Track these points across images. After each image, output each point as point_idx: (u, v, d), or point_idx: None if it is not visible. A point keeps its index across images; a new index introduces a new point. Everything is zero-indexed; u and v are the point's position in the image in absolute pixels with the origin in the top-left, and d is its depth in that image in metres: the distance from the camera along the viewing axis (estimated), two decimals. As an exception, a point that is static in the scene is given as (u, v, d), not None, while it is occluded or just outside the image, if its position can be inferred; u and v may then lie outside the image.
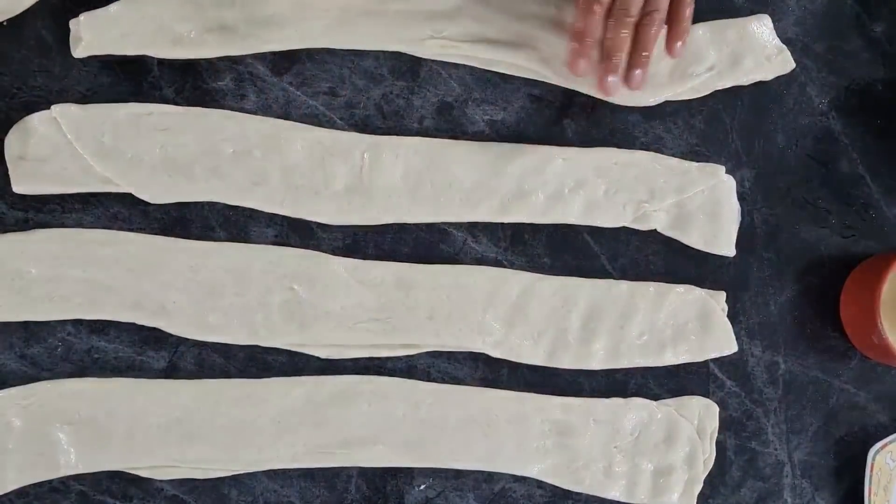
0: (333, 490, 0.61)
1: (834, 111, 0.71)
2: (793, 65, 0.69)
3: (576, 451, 0.63)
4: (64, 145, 0.60)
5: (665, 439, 0.64)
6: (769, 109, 0.70)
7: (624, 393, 0.65)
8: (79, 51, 0.61)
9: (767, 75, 0.69)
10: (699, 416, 0.65)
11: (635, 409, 0.64)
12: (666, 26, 0.63)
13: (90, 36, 0.61)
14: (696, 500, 0.64)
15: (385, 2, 0.64)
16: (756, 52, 0.68)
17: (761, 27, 0.69)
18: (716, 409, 0.65)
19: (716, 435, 0.65)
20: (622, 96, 0.66)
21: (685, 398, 0.65)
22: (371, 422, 0.61)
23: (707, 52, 0.68)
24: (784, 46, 0.69)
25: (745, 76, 0.68)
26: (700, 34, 0.68)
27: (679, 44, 0.63)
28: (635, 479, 0.63)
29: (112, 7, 0.61)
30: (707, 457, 0.64)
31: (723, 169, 0.68)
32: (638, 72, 0.62)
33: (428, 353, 0.63)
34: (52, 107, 0.60)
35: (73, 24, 0.61)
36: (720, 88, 0.68)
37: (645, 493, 0.63)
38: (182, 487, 0.60)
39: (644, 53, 0.62)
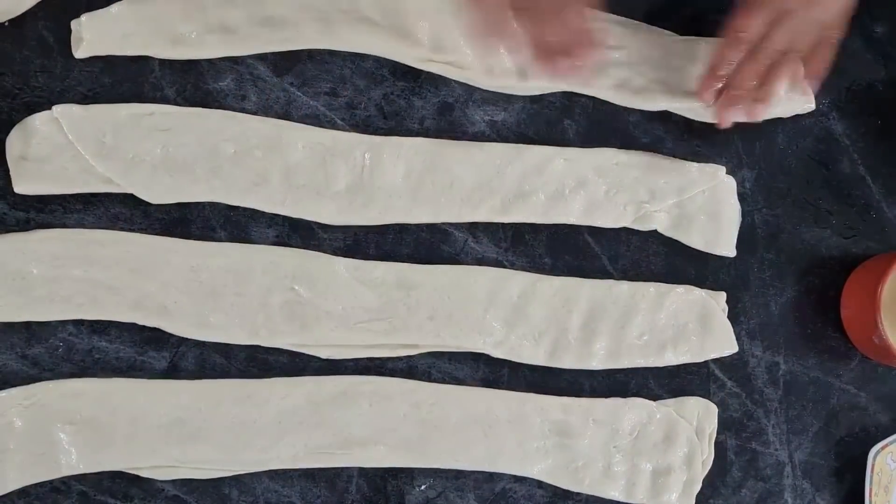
0: (334, 490, 0.61)
1: (835, 112, 0.71)
2: (813, 105, 0.68)
3: (575, 452, 0.63)
4: (65, 145, 0.60)
5: (664, 439, 0.64)
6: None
7: (625, 393, 0.65)
8: (80, 51, 0.61)
9: (786, 113, 0.68)
10: (698, 416, 0.65)
11: (634, 410, 0.64)
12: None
13: (92, 36, 0.61)
14: (694, 501, 0.64)
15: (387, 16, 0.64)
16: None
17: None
18: (714, 409, 0.65)
19: (714, 436, 0.65)
20: (622, 97, 0.66)
21: (684, 399, 0.65)
22: (372, 422, 0.61)
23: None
24: (810, 88, 0.68)
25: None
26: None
27: (816, 83, 0.65)
28: (634, 479, 0.63)
29: (113, 7, 0.61)
30: (705, 457, 0.64)
31: (723, 169, 0.68)
32: (760, 106, 0.63)
33: (429, 353, 0.63)
34: (54, 107, 0.60)
35: (74, 24, 0.61)
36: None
37: (644, 493, 0.63)
38: (183, 488, 0.60)
39: (773, 89, 0.62)
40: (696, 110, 0.67)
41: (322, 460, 0.61)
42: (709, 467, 0.64)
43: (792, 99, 0.67)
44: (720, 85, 0.63)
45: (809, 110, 0.68)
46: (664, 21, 0.70)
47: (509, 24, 0.58)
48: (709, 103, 0.64)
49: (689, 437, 0.64)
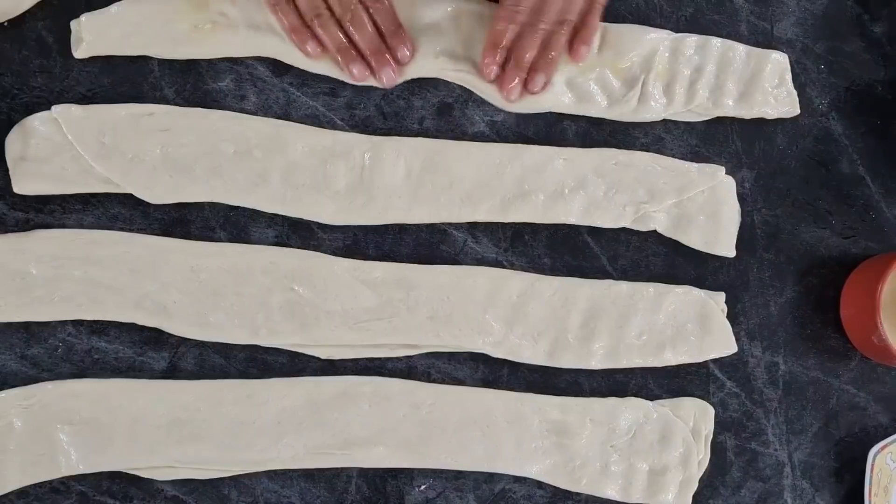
0: (333, 491, 0.61)
1: (834, 112, 0.71)
2: (798, 111, 0.69)
3: (573, 451, 0.63)
4: (64, 146, 0.60)
5: (660, 440, 0.64)
6: (769, 110, 0.70)
7: (624, 394, 0.65)
8: (80, 51, 0.61)
9: (771, 114, 0.69)
10: (694, 417, 0.65)
11: (631, 409, 0.64)
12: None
13: (91, 36, 0.61)
14: (690, 500, 0.64)
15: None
16: (766, 90, 0.68)
17: (779, 66, 0.69)
18: (711, 410, 0.65)
19: (710, 437, 0.65)
20: (629, 113, 0.66)
21: (681, 399, 0.65)
22: (371, 422, 0.61)
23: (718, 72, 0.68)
24: (794, 92, 0.69)
25: (751, 109, 0.68)
26: (717, 47, 0.68)
27: (584, 48, 0.64)
28: (631, 478, 0.63)
29: (113, 7, 0.61)
30: (701, 458, 0.64)
31: (723, 170, 0.68)
32: (541, 76, 0.63)
33: (428, 353, 0.63)
34: (53, 107, 0.60)
35: (74, 24, 0.61)
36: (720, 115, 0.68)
37: (640, 493, 0.63)
38: (182, 488, 0.60)
39: (551, 55, 0.63)
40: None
41: (321, 461, 0.61)
42: (705, 467, 0.64)
43: (778, 101, 0.68)
44: (500, 59, 0.63)
45: (794, 115, 0.69)
46: (662, 20, 0.70)
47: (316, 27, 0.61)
48: (490, 78, 0.64)
49: (685, 438, 0.64)
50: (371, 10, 0.62)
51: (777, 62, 0.69)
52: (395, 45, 0.63)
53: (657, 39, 0.67)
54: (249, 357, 0.61)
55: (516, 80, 0.63)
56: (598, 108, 0.66)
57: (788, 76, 0.69)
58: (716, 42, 0.68)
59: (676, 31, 0.69)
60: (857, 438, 0.68)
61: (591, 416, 0.63)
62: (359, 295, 0.61)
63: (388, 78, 0.63)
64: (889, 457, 0.67)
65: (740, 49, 0.69)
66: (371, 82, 0.64)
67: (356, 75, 0.62)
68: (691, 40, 0.68)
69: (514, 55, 0.63)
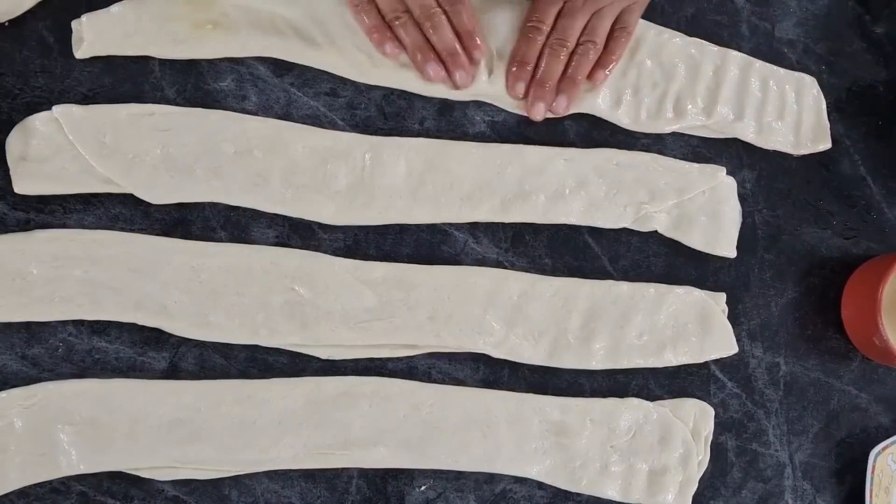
0: (334, 491, 0.61)
1: (835, 112, 0.71)
2: (829, 144, 0.69)
3: (573, 452, 0.63)
4: (65, 146, 0.60)
5: (660, 440, 0.64)
6: (770, 111, 0.70)
7: (625, 394, 0.65)
8: (81, 52, 0.61)
9: (801, 151, 0.69)
10: (694, 418, 0.65)
11: (631, 410, 0.64)
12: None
13: (92, 36, 0.61)
14: (690, 501, 0.64)
15: None
16: (795, 123, 0.69)
17: (815, 94, 0.70)
18: (711, 411, 0.65)
19: (710, 437, 0.65)
20: (640, 123, 0.67)
21: (681, 400, 0.65)
22: (372, 423, 0.61)
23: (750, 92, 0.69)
24: (827, 126, 0.69)
25: (772, 138, 0.69)
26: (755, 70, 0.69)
27: (603, 72, 0.65)
28: (631, 479, 0.63)
29: (114, 8, 0.61)
30: (701, 458, 0.64)
31: (723, 170, 0.68)
32: (564, 98, 0.65)
33: (429, 353, 0.63)
34: (54, 107, 0.60)
35: (75, 24, 0.61)
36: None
37: (640, 493, 0.63)
38: (183, 488, 0.60)
39: (576, 77, 0.64)
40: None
41: (322, 461, 0.60)
42: (704, 468, 0.64)
43: (809, 138, 0.70)
44: (527, 78, 0.65)
45: (825, 149, 0.70)
46: (664, 20, 0.70)
47: (396, 28, 0.63)
48: (519, 97, 0.65)
49: (684, 439, 0.64)
50: (449, 13, 0.63)
51: (810, 84, 0.70)
52: (471, 48, 0.64)
53: (707, 53, 0.69)
54: (250, 357, 0.61)
55: (541, 102, 0.65)
56: (625, 118, 0.67)
57: (823, 107, 0.70)
58: (758, 65, 0.69)
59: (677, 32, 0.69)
60: (858, 439, 0.68)
61: (590, 416, 0.63)
62: (359, 295, 0.61)
63: (462, 79, 0.64)
64: (890, 458, 0.67)
65: (780, 72, 0.70)
66: (434, 89, 0.65)
67: (432, 75, 0.64)
68: (736, 57, 0.69)
69: (538, 76, 0.65)
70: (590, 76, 0.66)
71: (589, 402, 0.64)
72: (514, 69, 0.65)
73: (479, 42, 0.64)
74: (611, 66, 0.66)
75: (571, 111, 0.66)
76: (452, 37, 0.63)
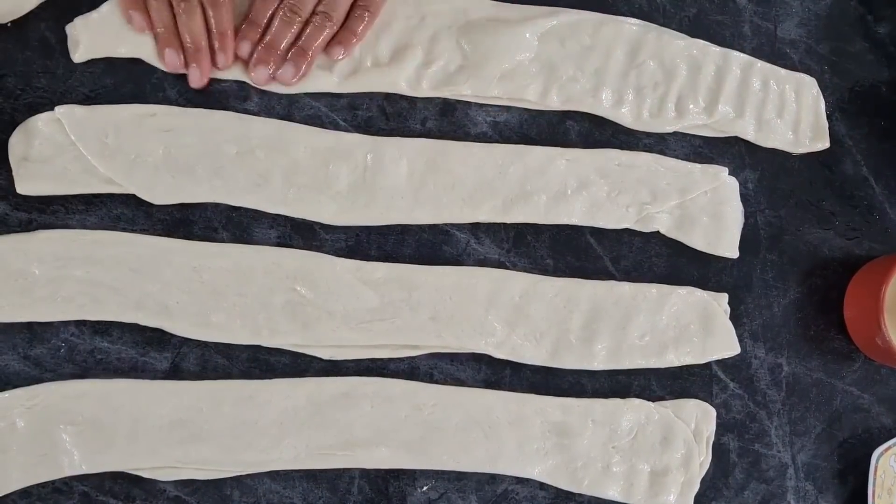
0: (336, 491, 0.61)
1: (838, 113, 0.71)
2: (828, 144, 0.70)
3: (574, 452, 0.63)
4: (67, 146, 0.60)
5: (662, 441, 0.64)
6: (773, 111, 0.70)
7: (627, 395, 0.65)
8: (78, 55, 0.61)
9: (799, 149, 0.69)
10: (696, 418, 0.64)
11: (633, 410, 0.64)
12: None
13: (87, 39, 0.61)
14: (692, 502, 0.64)
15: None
16: (794, 122, 0.69)
17: (814, 93, 0.70)
18: (713, 412, 0.65)
19: (712, 438, 0.65)
20: (642, 122, 0.66)
21: (683, 401, 0.65)
22: (373, 423, 0.61)
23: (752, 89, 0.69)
24: (826, 125, 0.69)
25: (772, 136, 0.69)
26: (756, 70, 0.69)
27: (340, 48, 0.63)
28: (632, 479, 0.63)
29: (104, 7, 0.61)
30: (702, 459, 0.64)
31: (726, 170, 0.67)
32: (290, 66, 0.62)
33: (430, 354, 0.63)
34: (56, 108, 0.60)
35: (69, 28, 0.61)
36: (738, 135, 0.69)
37: (642, 494, 0.63)
38: (185, 488, 0.60)
39: (305, 49, 0.62)
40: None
41: (324, 461, 0.60)
42: (706, 469, 0.64)
43: (807, 137, 0.70)
44: (255, 38, 0.62)
45: (822, 148, 0.70)
46: (666, 21, 0.70)
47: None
48: (243, 57, 0.63)
49: (686, 439, 0.64)
50: (207, 6, 0.61)
51: (811, 85, 0.70)
52: (219, 49, 0.62)
53: (712, 54, 0.69)
54: (252, 357, 0.61)
55: (262, 66, 0.62)
56: (627, 118, 0.67)
57: (821, 100, 0.70)
58: (759, 65, 0.69)
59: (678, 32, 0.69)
60: (860, 440, 0.68)
61: (592, 417, 0.63)
62: (361, 295, 0.61)
63: (195, 78, 0.62)
64: (893, 458, 0.67)
65: (781, 73, 0.70)
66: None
67: (167, 62, 0.61)
68: (737, 57, 0.69)
69: (265, 39, 0.62)
70: (327, 51, 0.63)
71: (590, 403, 0.64)
72: (244, 27, 0.62)
73: (228, 45, 0.61)
74: (351, 43, 0.63)
75: (300, 85, 0.63)
76: (202, 31, 0.61)
